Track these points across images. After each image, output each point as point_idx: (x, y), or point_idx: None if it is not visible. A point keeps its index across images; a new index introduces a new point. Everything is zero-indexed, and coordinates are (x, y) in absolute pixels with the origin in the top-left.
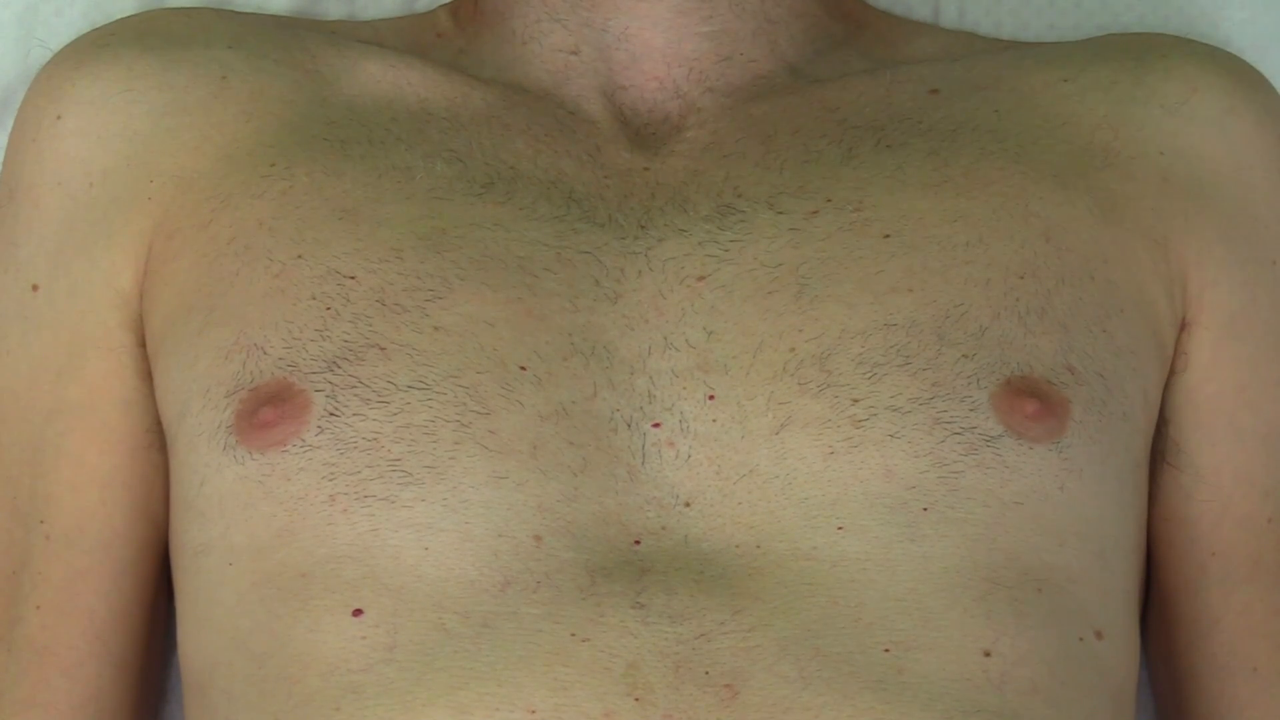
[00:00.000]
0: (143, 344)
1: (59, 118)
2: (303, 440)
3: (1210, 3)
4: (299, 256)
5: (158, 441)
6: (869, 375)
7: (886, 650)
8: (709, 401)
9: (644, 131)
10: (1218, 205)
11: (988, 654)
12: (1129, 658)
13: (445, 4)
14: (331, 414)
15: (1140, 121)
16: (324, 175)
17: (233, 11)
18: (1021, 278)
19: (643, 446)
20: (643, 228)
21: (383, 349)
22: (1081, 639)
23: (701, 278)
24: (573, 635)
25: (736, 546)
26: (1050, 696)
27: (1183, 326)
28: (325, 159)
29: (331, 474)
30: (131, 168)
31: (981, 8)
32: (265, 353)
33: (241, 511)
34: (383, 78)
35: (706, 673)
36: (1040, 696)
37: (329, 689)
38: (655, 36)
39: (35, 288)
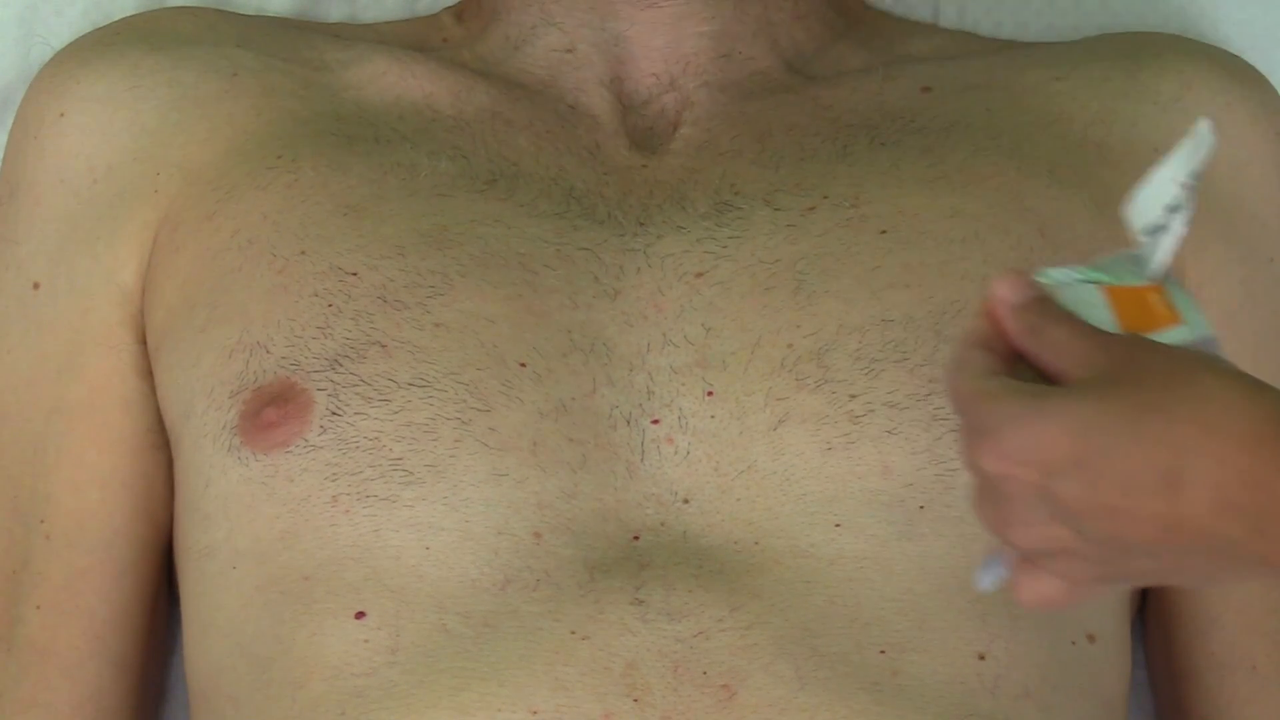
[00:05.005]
0: (143, 341)
1: (62, 115)
2: (306, 440)
3: (1210, 3)
4: (302, 253)
5: (158, 441)
6: (866, 371)
7: (882, 651)
8: (707, 398)
9: (640, 126)
10: (1214, 202)
11: (982, 657)
12: (1121, 662)
13: (450, 7)
14: (334, 413)
15: (1133, 118)
16: (329, 170)
17: (236, 12)
18: None
19: (642, 443)
20: (641, 225)
21: (384, 346)
22: (1074, 643)
23: (700, 274)
24: (572, 633)
25: (735, 543)
26: (1042, 701)
27: None
28: (331, 153)
29: (334, 474)
30: (138, 161)
31: (981, 7)
32: (268, 351)
33: (245, 514)
34: (389, 75)
35: (705, 672)
36: (1032, 701)
37: (333, 694)
38: (655, 39)
39: (36, 286)
